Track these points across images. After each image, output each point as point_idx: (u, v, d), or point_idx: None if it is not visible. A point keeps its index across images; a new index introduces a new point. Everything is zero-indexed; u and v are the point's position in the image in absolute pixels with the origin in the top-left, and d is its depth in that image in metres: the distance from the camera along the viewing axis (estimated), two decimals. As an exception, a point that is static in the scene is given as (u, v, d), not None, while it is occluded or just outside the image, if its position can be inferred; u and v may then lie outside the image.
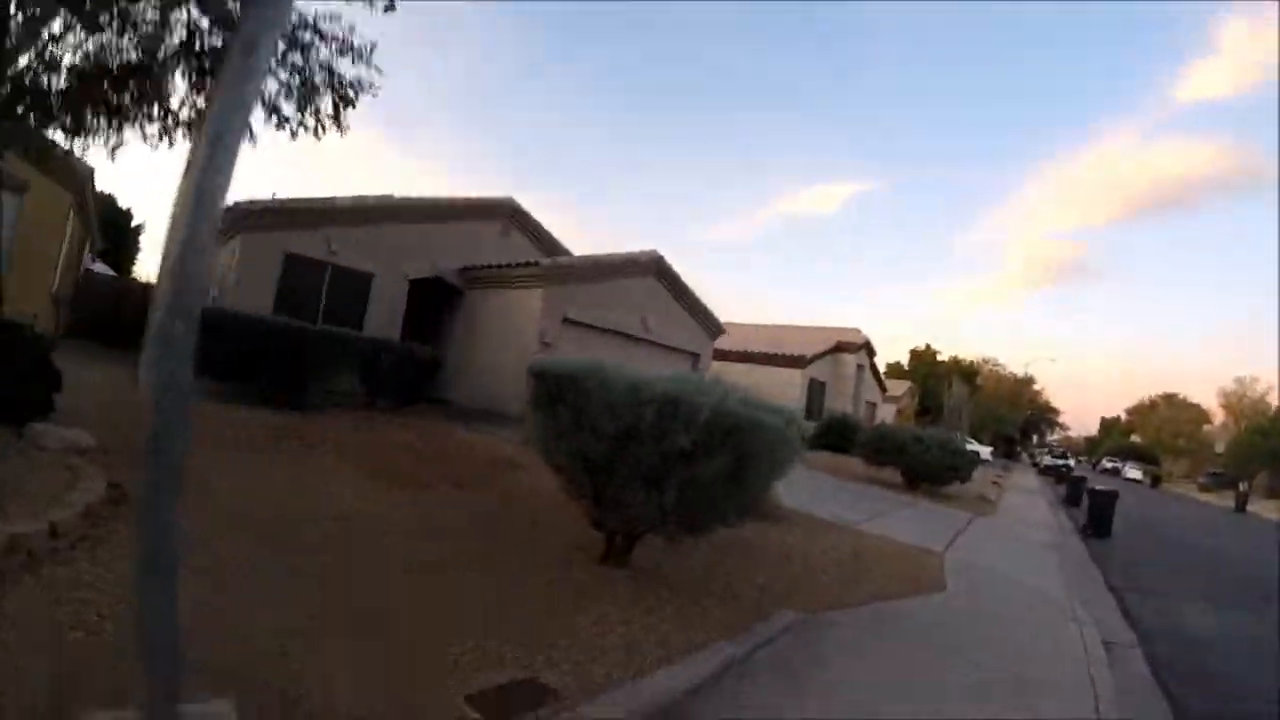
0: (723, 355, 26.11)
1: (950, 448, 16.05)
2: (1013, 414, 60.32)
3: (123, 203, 33.68)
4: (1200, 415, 74.75)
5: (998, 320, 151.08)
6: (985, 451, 41.47)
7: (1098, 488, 15.18)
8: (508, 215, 19.74)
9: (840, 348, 28.01)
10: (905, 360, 62.40)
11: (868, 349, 30.01)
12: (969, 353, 71.74)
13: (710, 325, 20.64)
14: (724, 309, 33.02)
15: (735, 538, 7.97)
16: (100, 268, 24.44)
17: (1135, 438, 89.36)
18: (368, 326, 16.48)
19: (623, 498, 5.54)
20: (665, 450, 5.17)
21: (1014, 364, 72.07)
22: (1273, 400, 61.31)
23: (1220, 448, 66.73)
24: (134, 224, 34.80)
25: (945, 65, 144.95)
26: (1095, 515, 14.93)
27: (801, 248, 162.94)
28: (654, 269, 18.50)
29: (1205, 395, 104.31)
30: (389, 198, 17.47)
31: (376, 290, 17.17)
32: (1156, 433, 76.43)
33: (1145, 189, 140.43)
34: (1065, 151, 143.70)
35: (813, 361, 25.70)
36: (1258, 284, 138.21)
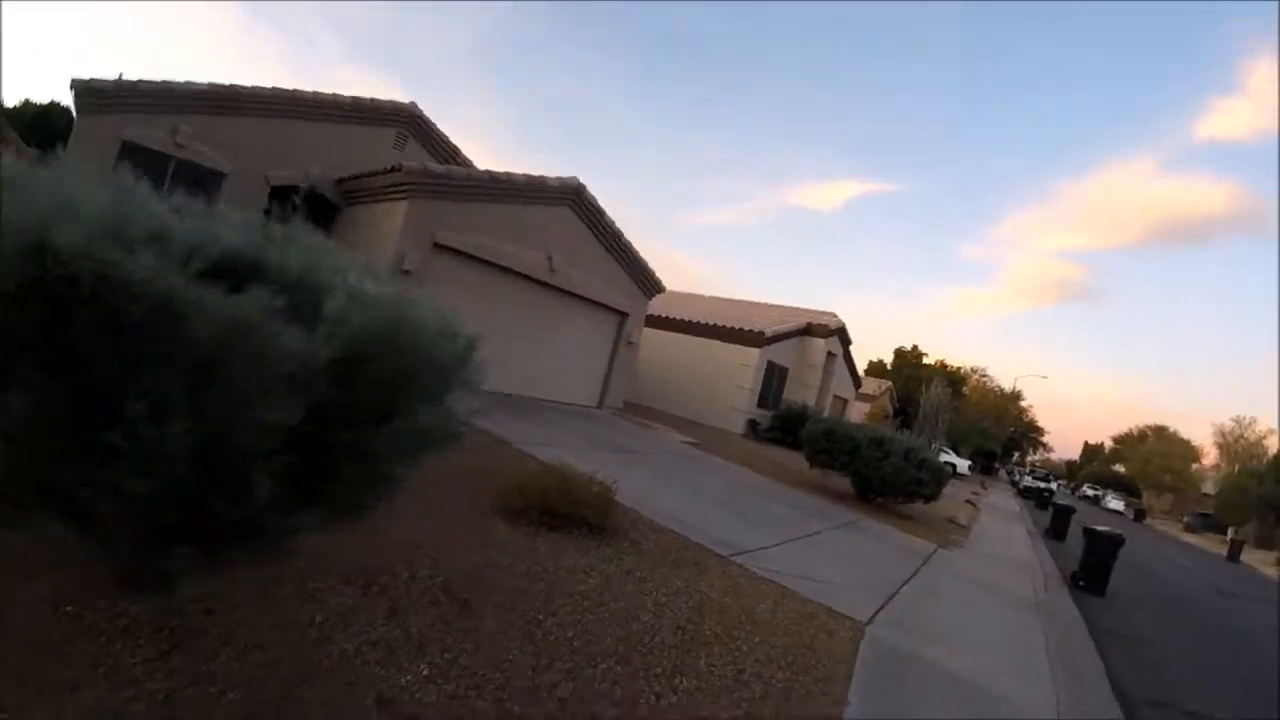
0: (667, 324, 22.59)
1: (917, 457, 12.44)
2: (997, 428, 56.90)
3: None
4: (1190, 452, 71.06)
5: (991, 333, 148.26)
6: (963, 465, 38.15)
7: (1097, 528, 11.58)
8: (405, 123, 16.09)
9: (810, 330, 24.27)
10: (890, 360, 58.74)
11: (841, 335, 26.26)
12: (957, 359, 68.62)
13: (645, 281, 16.94)
14: (709, 291, 29.42)
15: (497, 563, 4.49)
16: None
17: (1119, 467, 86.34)
18: (216, 238, 12.88)
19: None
20: None
21: (1003, 378, 68.88)
22: (1270, 444, 57.84)
23: (1209, 487, 63.56)
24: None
25: (970, 78, 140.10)
26: (1091, 564, 11.34)
27: (800, 241, 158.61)
28: (571, 199, 14.75)
29: (1193, 433, 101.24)
30: (258, 88, 13.92)
31: (228, 194, 13.47)
32: (1143, 465, 72.83)
33: (1154, 220, 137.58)
34: (1076, 173, 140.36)
35: (773, 341, 21.98)
36: (1257, 327, 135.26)
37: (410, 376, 2.75)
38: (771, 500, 10.76)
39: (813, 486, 13.44)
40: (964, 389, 57.87)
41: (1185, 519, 55.08)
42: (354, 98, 15.22)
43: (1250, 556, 35.52)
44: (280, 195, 14.30)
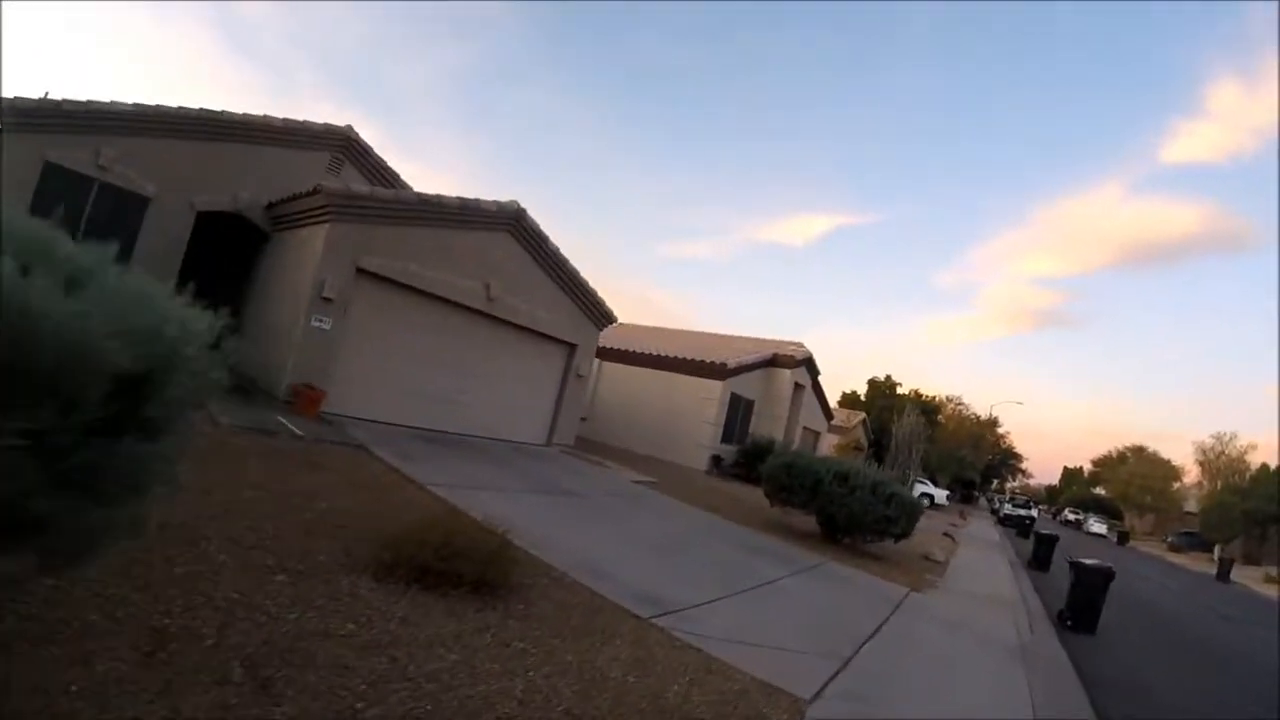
0: (629, 358, 21.61)
1: (885, 491, 11.39)
2: (974, 456, 56.09)
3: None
4: (1170, 471, 70.58)
5: (967, 362, 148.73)
6: (941, 495, 37.13)
7: (1085, 561, 10.58)
8: (340, 146, 15.37)
9: (776, 361, 23.35)
10: (863, 392, 57.95)
11: (809, 366, 25.37)
12: (933, 388, 68.20)
13: (594, 310, 15.97)
14: (680, 324, 28.73)
15: (334, 631, 3.71)
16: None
17: (1099, 490, 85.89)
18: (135, 264, 12.08)
19: None
20: None
21: (980, 405, 68.45)
22: (1252, 459, 57.26)
23: (1192, 506, 62.99)
24: None
25: (937, 106, 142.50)
26: (1079, 600, 10.32)
27: (774, 275, 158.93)
28: (510, 224, 13.81)
29: (1172, 453, 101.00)
30: (184, 109, 13.13)
31: (153, 220, 12.97)
32: (1124, 486, 72.28)
33: (1125, 244, 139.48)
34: (1047, 200, 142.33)
35: (737, 373, 20.99)
36: (1232, 346, 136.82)
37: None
38: (724, 545, 9.65)
39: (774, 527, 12.37)
40: (939, 417, 57.13)
41: (1169, 539, 54.40)
42: (285, 120, 14.61)
43: (1240, 574, 34.77)
44: (213, 224, 13.84)
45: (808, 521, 12.76)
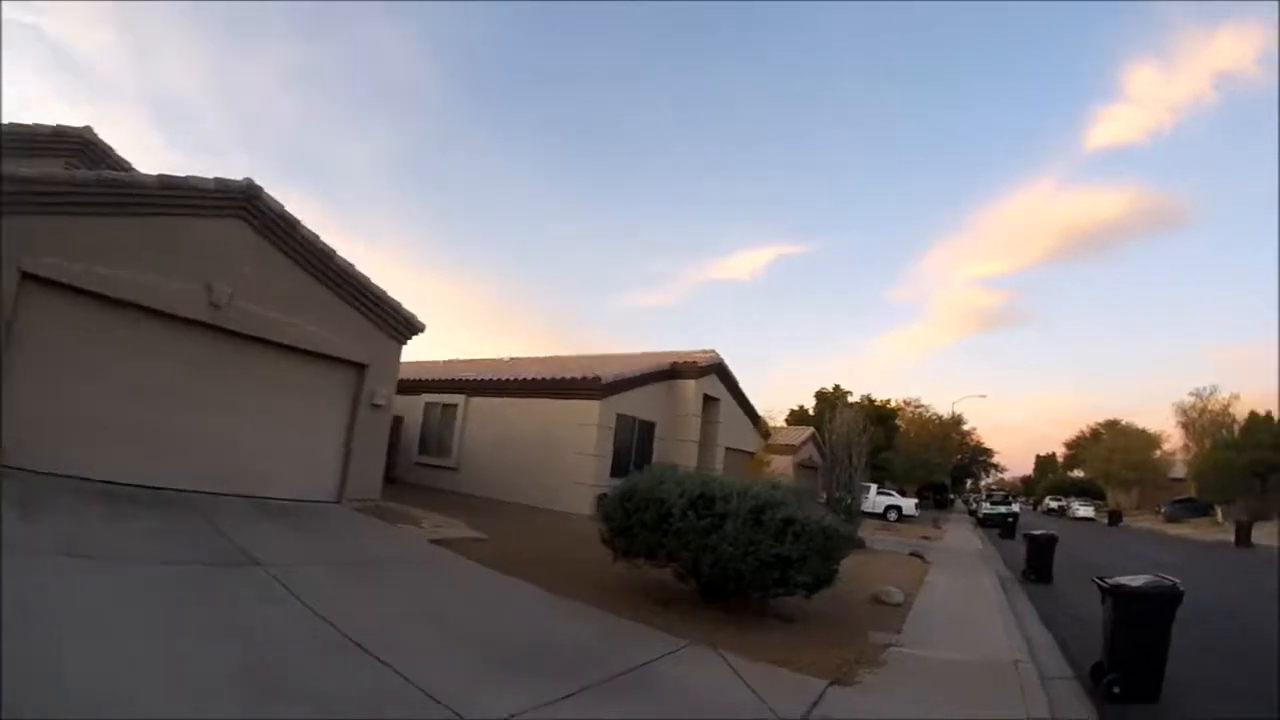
0: (495, 389, 17.32)
1: (776, 518, 7.00)
2: (942, 459, 52.13)
3: None
4: (1149, 440, 66.92)
5: (925, 370, 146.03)
6: (909, 505, 32.98)
7: (1130, 583, 6.20)
8: (75, 149, 11.70)
9: (676, 371, 18.93)
10: (812, 407, 53.80)
11: (721, 374, 20.78)
12: (889, 393, 64.86)
13: (390, 318, 11.71)
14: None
15: None
16: None
17: (1078, 472, 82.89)
18: None
19: None
20: None
21: (943, 407, 64.88)
22: (1236, 412, 53.20)
23: (1179, 471, 59.56)
24: None
25: (857, 126, 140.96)
26: (1128, 646, 6.08)
27: (727, 312, 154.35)
28: (242, 207, 9.75)
29: (1146, 425, 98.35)
30: None
31: None
32: (1103, 464, 68.56)
33: (1063, 236, 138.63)
34: (982, 204, 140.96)
35: (622, 389, 16.56)
36: (1179, 320, 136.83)
37: None
38: (456, 645, 5.18)
39: (626, 594, 7.94)
40: (897, 422, 53.34)
41: (1163, 509, 50.60)
42: (11, 124, 10.79)
43: (1259, 534, 31.10)
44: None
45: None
